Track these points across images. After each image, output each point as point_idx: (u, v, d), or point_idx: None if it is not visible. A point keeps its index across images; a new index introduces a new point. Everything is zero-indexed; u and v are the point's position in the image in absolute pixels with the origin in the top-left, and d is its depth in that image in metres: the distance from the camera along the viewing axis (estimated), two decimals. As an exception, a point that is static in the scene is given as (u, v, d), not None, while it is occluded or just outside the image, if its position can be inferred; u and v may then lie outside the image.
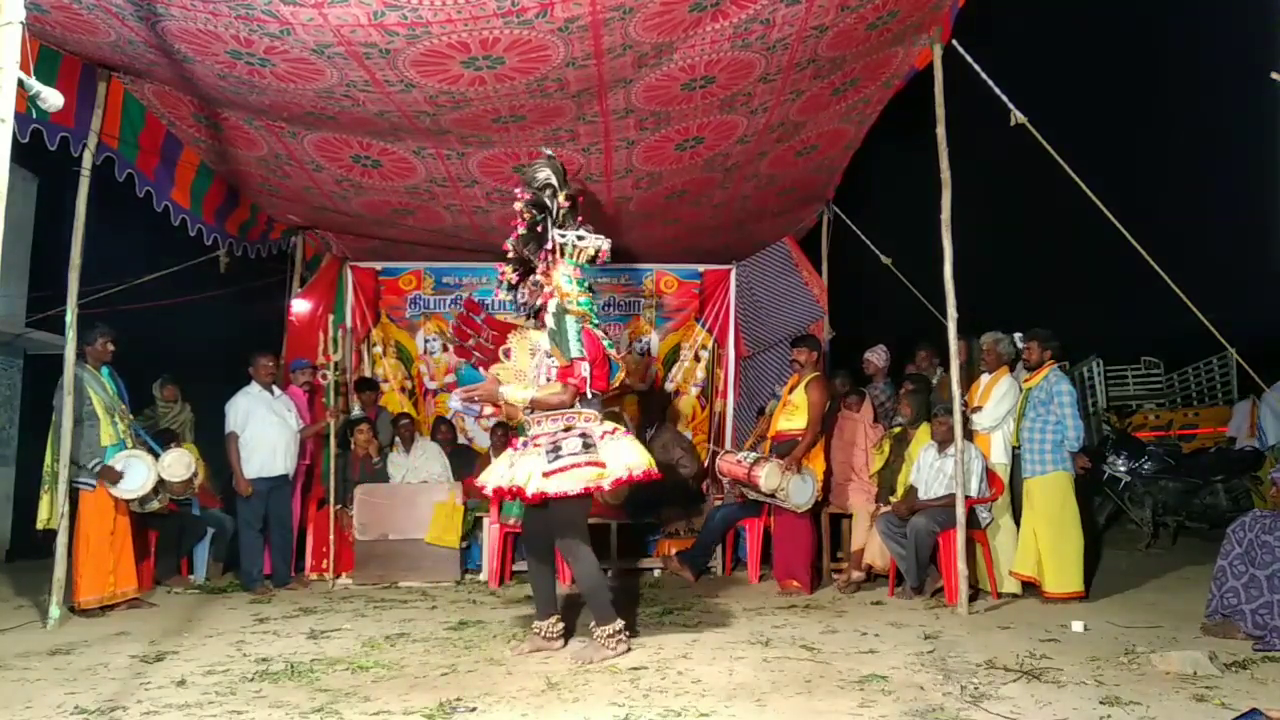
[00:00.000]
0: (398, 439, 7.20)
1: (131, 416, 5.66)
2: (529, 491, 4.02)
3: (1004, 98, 5.13)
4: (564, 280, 4.34)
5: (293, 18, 4.10)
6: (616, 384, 4.43)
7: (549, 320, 4.26)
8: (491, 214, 7.07)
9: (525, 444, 4.29)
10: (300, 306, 7.83)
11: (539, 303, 4.44)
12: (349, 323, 8.08)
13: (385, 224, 7.37)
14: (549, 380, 4.23)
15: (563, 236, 4.36)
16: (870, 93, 5.78)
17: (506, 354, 4.65)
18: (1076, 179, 5.20)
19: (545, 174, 4.48)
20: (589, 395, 4.23)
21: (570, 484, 3.99)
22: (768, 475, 5.59)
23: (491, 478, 4.35)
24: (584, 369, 4.18)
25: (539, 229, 4.46)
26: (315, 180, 6.41)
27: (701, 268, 8.69)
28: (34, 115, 4.61)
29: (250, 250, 7.54)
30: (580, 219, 4.52)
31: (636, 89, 5.13)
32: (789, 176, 6.93)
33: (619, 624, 4.10)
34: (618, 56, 4.69)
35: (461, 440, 7.98)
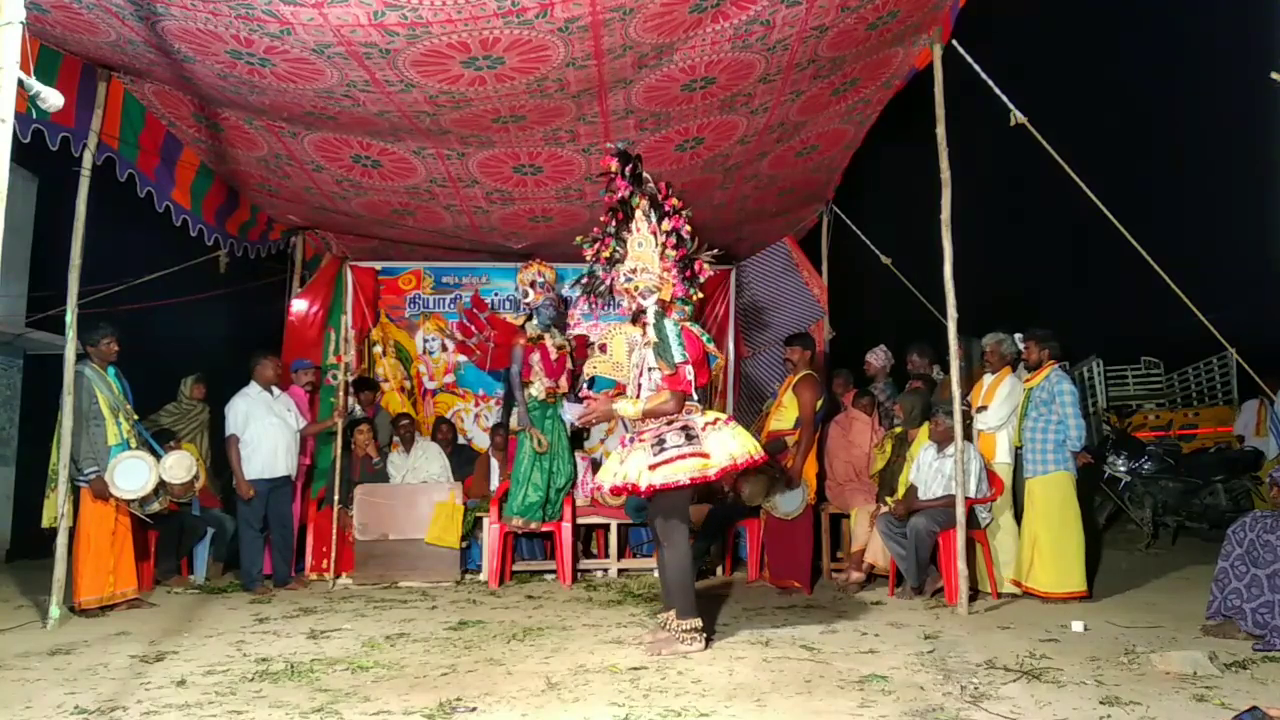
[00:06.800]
0: (397, 439, 7.20)
1: (136, 417, 5.66)
2: (641, 486, 4.07)
3: (1004, 98, 5.13)
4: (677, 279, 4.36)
5: (293, 18, 4.10)
6: (715, 370, 4.42)
7: (651, 332, 4.26)
8: (491, 214, 7.08)
9: (632, 440, 4.33)
10: (300, 306, 7.83)
11: (637, 304, 4.39)
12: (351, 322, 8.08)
13: (385, 224, 7.37)
14: (656, 388, 4.24)
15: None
16: (870, 93, 5.78)
17: (603, 348, 4.66)
18: (1076, 179, 5.20)
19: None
20: (693, 395, 4.25)
21: (677, 475, 4.01)
22: (750, 494, 5.55)
23: (606, 476, 4.37)
24: (687, 372, 4.21)
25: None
26: (315, 180, 6.41)
27: (701, 268, 8.67)
28: (34, 115, 4.62)
29: (250, 250, 7.55)
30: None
31: (637, 89, 5.13)
32: (789, 177, 6.93)
33: (698, 621, 4.12)
34: (618, 57, 4.69)
35: (461, 440, 7.98)
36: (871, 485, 6.36)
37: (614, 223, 4.43)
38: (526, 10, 4.12)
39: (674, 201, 4.45)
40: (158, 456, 5.53)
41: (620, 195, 4.41)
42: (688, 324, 4.36)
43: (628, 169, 4.41)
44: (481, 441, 7.93)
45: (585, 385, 5.20)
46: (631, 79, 4.99)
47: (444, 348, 8.35)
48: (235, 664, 3.95)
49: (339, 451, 6.56)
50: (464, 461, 7.41)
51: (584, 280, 4.62)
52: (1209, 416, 11.04)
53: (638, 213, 4.40)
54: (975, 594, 5.29)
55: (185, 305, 8.66)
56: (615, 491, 4.38)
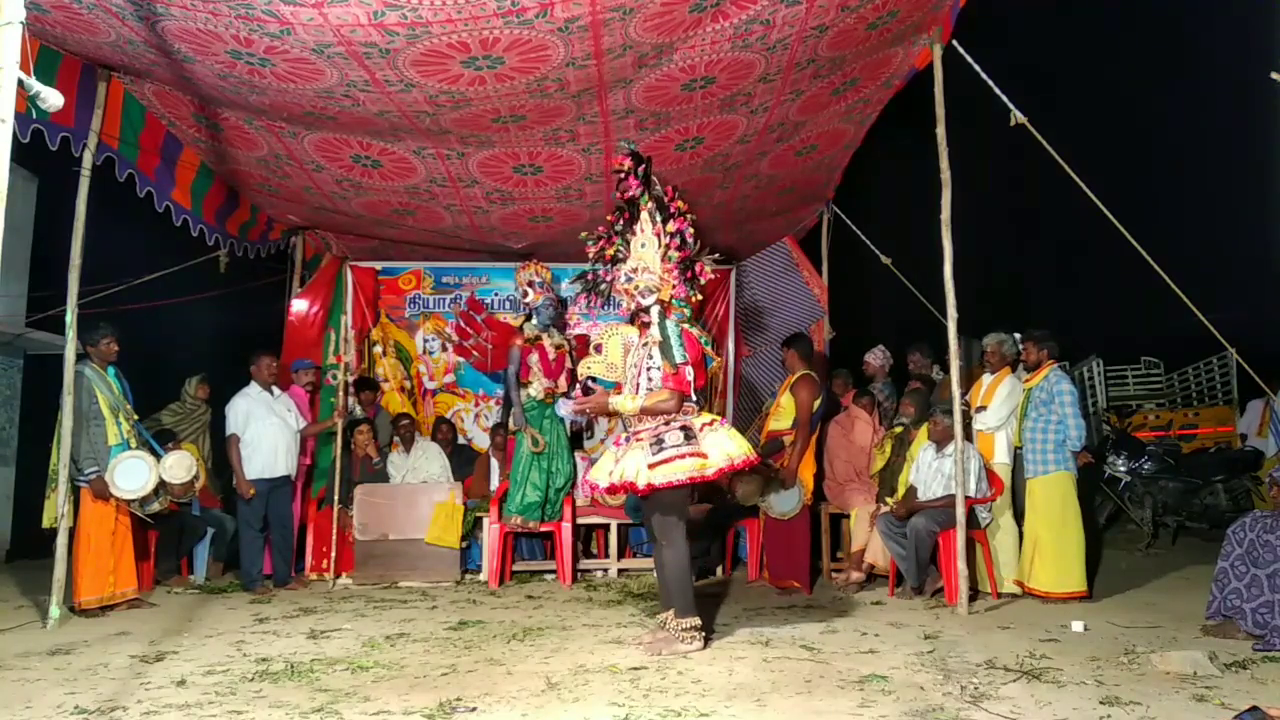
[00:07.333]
0: (397, 439, 7.20)
1: (136, 417, 5.66)
2: (639, 485, 4.09)
3: (1004, 98, 5.13)
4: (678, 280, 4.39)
5: (293, 18, 4.10)
6: (713, 371, 4.46)
7: (655, 331, 4.28)
8: (491, 214, 7.08)
9: (628, 439, 4.34)
10: (300, 306, 7.83)
11: (637, 304, 4.40)
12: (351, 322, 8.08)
13: (385, 224, 7.37)
14: (655, 386, 4.25)
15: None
16: (870, 92, 5.78)
17: (598, 349, 4.68)
18: (1076, 179, 5.20)
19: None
20: (692, 396, 4.28)
21: (676, 474, 4.04)
22: (744, 494, 5.55)
23: (600, 474, 4.38)
24: (688, 373, 4.24)
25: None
26: (315, 180, 6.41)
27: (701, 267, 8.67)
28: (34, 115, 4.62)
29: (250, 250, 7.55)
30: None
31: (636, 89, 5.13)
32: (789, 176, 6.93)
33: (697, 620, 4.14)
34: (618, 57, 4.69)
35: (461, 440, 7.98)
36: (871, 485, 6.36)
37: (620, 221, 4.46)
38: (526, 10, 4.12)
39: (679, 204, 4.48)
40: (158, 456, 5.54)
41: (631, 194, 4.43)
42: (687, 325, 4.39)
43: (639, 169, 4.44)
44: (481, 441, 7.93)
45: (582, 387, 5.21)
46: (631, 79, 4.99)
47: (444, 348, 8.35)
48: (235, 664, 3.95)
49: (339, 451, 6.56)
50: (464, 461, 7.41)
51: (586, 277, 4.64)
52: (1209, 416, 11.03)
53: (643, 214, 4.42)
54: (975, 594, 5.29)
55: (185, 305, 8.65)
56: (611, 490, 4.39)
